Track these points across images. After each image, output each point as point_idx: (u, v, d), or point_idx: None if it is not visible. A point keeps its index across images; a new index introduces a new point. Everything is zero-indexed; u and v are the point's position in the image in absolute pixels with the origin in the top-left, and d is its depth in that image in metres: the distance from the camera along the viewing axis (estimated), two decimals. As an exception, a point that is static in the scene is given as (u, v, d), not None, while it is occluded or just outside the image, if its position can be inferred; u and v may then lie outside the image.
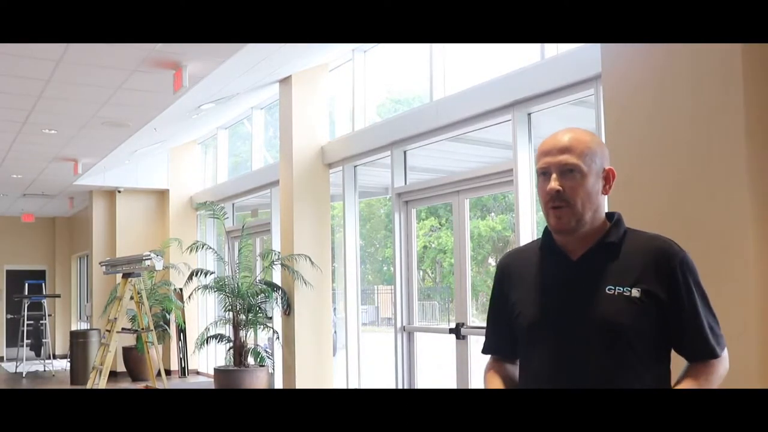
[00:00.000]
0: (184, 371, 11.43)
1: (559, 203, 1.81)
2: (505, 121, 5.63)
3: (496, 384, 1.96)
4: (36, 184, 11.65)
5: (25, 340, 13.53)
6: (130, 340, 10.81)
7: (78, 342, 11.34)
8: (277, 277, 8.45)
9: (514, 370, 1.98)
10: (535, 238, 2.00)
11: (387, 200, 8.91)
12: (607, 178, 1.86)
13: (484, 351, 2.07)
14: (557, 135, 1.85)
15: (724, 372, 1.83)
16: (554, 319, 1.82)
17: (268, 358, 8.59)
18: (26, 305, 13.64)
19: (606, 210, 1.90)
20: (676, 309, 1.78)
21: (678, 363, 1.85)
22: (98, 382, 8.07)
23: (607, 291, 1.78)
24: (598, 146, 1.85)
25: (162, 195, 12.03)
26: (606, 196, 1.88)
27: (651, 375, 1.79)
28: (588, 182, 1.81)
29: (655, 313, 1.77)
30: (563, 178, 1.80)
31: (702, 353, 1.80)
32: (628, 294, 1.77)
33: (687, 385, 1.77)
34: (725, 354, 1.83)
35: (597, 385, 1.73)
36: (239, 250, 8.89)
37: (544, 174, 1.84)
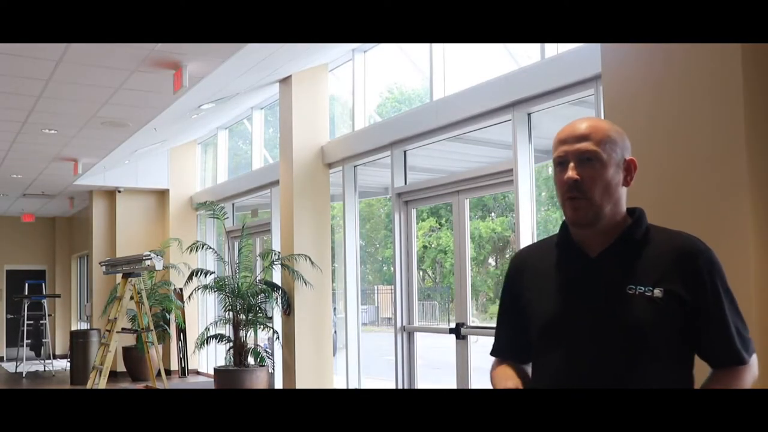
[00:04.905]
0: (184, 371, 11.43)
1: (576, 194, 1.69)
2: (505, 121, 5.63)
3: (510, 376, 1.82)
4: (36, 184, 11.65)
5: (25, 340, 13.54)
6: (130, 340, 10.82)
7: (78, 342, 11.34)
8: (277, 277, 8.45)
9: (526, 369, 1.87)
10: (550, 235, 1.88)
11: (387, 200, 8.90)
12: (628, 169, 1.75)
13: (493, 353, 1.94)
14: (574, 123, 1.75)
15: (752, 380, 1.69)
16: (571, 320, 1.71)
17: (268, 358, 8.60)
18: (26, 305, 13.65)
19: (626, 204, 1.79)
20: (700, 310, 1.66)
21: (704, 370, 1.73)
22: (98, 382, 8.06)
23: (628, 290, 1.67)
24: (617, 135, 1.75)
25: (162, 195, 12.03)
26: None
27: (672, 380, 1.66)
28: (607, 172, 1.70)
29: (677, 315, 1.65)
30: (581, 168, 1.70)
31: (727, 359, 1.67)
32: (649, 294, 1.66)
33: None
34: (754, 360, 1.70)
35: (614, 388, 1.63)
36: (239, 250, 8.88)
37: (560, 164, 1.73)
